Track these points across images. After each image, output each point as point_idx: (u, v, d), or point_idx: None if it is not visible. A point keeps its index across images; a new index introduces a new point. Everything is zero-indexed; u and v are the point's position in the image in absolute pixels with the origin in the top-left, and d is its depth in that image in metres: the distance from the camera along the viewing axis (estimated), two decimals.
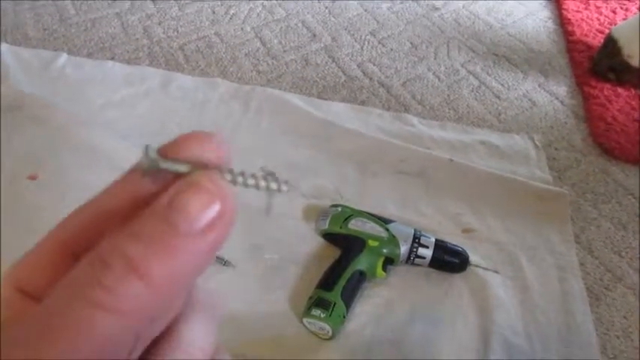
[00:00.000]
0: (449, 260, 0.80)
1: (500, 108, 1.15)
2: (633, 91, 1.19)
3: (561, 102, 1.18)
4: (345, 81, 1.17)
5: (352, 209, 0.83)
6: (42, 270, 0.19)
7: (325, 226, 0.82)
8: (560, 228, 0.91)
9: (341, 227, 0.81)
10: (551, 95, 1.19)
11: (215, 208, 0.17)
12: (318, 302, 0.71)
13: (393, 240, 0.79)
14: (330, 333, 0.71)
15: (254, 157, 0.96)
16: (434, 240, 0.80)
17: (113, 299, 0.15)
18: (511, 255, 0.86)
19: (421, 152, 0.99)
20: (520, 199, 0.93)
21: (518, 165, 1.01)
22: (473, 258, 0.82)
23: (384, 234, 0.79)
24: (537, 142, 1.06)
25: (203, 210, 0.17)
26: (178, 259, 0.16)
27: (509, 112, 1.14)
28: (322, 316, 0.70)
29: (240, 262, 0.80)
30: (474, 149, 1.03)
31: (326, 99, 1.11)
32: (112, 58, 1.12)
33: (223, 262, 0.79)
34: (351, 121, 1.06)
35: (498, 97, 1.17)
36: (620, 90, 1.19)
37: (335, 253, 0.80)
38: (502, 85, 1.21)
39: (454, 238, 0.85)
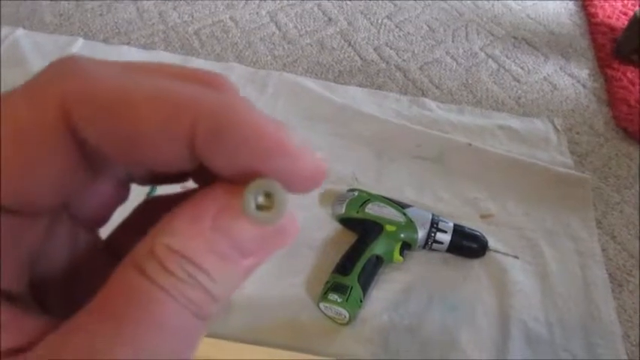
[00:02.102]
0: (467, 245, 0.79)
1: (519, 92, 1.13)
2: None
3: (583, 85, 1.15)
4: (361, 65, 1.15)
5: (369, 194, 0.82)
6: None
7: (342, 210, 0.81)
8: (582, 213, 0.89)
9: (358, 212, 0.80)
10: (572, 78, 1.17)
11: (257, 234, 0.15)
12: (335, 287, 0.71)
13: (410, 225, 0.78)
14: (347, 318, 0.70)
15: None
16: (452, 225, 0.79)
17: None
18: (531, 240, 0.84)
19: (439, 137, 0.97)
20: (540, 183, 0.92)
21: (538, 149, 0.99)
22: (492, 243, 0.81)
23: (401, 219, 0.79)
24: (558, 126, 1.04)
25: (247, 236, 0.15)
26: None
27: (529, 96, 1.12)
28: (339, 300, 0.69)
29: None
30: (492, 134, 1.01)
31: (342, 83, 1.10)
32: (128, 43, 1.12)
33: None
34: (367, 105, 1.05)
35: (518, 81, 1.15)
36: None
37: (351, 238, 0.80)
38: (522, 68, 1.18)
39: (472, 223, 0.84)
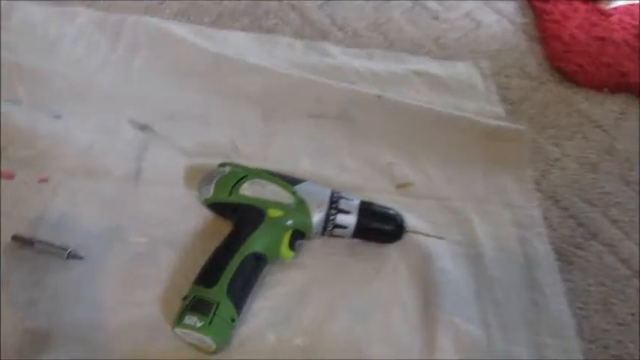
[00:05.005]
0: (378, 227, 0.60)
1: (438, 31, 0.94)
2: (593, 4, 1.00)
3: (510, 21, 0.98)
4: (246, 5, 0.92)
5: (246, 168, 0.61)
6: None
7: (209, 193, 0.60)
8: (517, 174, 0.72)
9: (230, 194, 0.59)
10: (498, 14, 0.99)
11: None
12: (195, 305, 0.50)
13: (301, 206, 0.58)
14: (214, 346, 0.50)
15: (124, 104, 0.73)
16: (357, 202, 0.60)
17: None
18: (458, 213, 0.67)
19: (342, 89, 0.77)
20: (467, 140, 0.74)
21: (463, 98, 0.81)
22: (411, 221, 0.62)
23: (289, 199, 0.58)
24: (485, 70, 0.86)
25: None
26: None
27: (450, 36, 0.93)
28: (199, 325, 0.49)
29: (94, 251, 0.58)
30: (408, 81, 0.82)
31: (221, 28, 0.87)
32: None
33: (66, 253, 0.56)
34: (253, 54, 0.83)
35: (436, 18, 0.96)
36: (577, 3, 1.00)
37: (227, 229, 0.59)
38: (440, 4, 0.99)
39: (386, 197, 0.66)
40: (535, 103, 0.83)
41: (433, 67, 0.85)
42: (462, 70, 0.86)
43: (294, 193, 0.59)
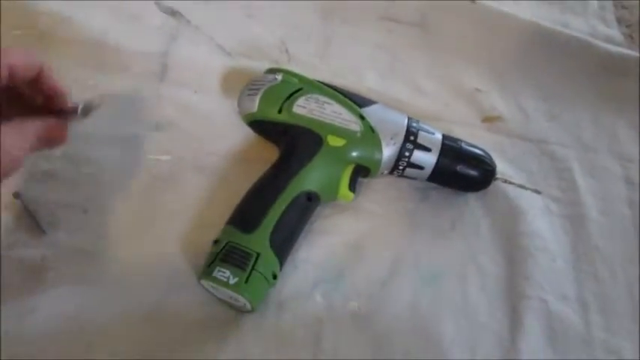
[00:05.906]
0: (463, 172, 0.47)
1: None
2: None
3: None
4: None
5: (303, 79, 0.48)
6: None
7: (254, 108, 0.46)
8: (633, 118, 0.57)
9: (281, 110, 0.46)
10: None
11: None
12: (229, 254, 0.39)
13: (370, 136, 0.45)
14: (249, 306, 0.39)
15: None
16: (440, 137, 0.46)
17: None
18: (558, 160, 0.53)
19: None
20: (576, 68, 0.59)
21: (570, 14, 0.65)
22: (498, 166, 0.49)
23: (355, 125, 0.45)
24: None
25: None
26: None
27: None
28: (232, 281, 0.38)
29: (102, 166, 0.46)
30: None
31: None
32: None
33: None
34: None
35: None
36: None
37: (271, 154, 0.47)
38: None
39: (469, 131, 0.53)
40: None
41: None
42: None
43: (361, 117, 0.45)
